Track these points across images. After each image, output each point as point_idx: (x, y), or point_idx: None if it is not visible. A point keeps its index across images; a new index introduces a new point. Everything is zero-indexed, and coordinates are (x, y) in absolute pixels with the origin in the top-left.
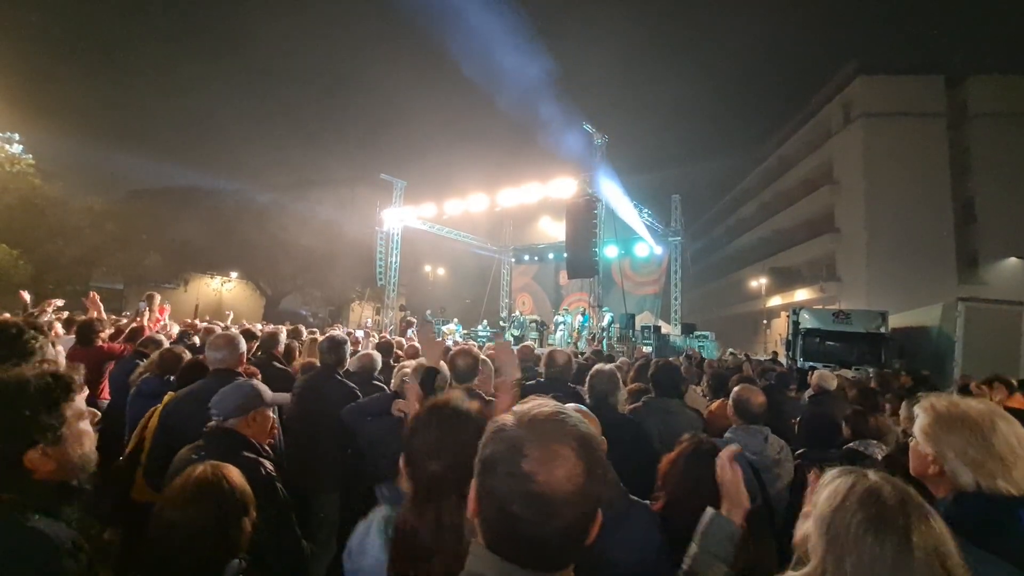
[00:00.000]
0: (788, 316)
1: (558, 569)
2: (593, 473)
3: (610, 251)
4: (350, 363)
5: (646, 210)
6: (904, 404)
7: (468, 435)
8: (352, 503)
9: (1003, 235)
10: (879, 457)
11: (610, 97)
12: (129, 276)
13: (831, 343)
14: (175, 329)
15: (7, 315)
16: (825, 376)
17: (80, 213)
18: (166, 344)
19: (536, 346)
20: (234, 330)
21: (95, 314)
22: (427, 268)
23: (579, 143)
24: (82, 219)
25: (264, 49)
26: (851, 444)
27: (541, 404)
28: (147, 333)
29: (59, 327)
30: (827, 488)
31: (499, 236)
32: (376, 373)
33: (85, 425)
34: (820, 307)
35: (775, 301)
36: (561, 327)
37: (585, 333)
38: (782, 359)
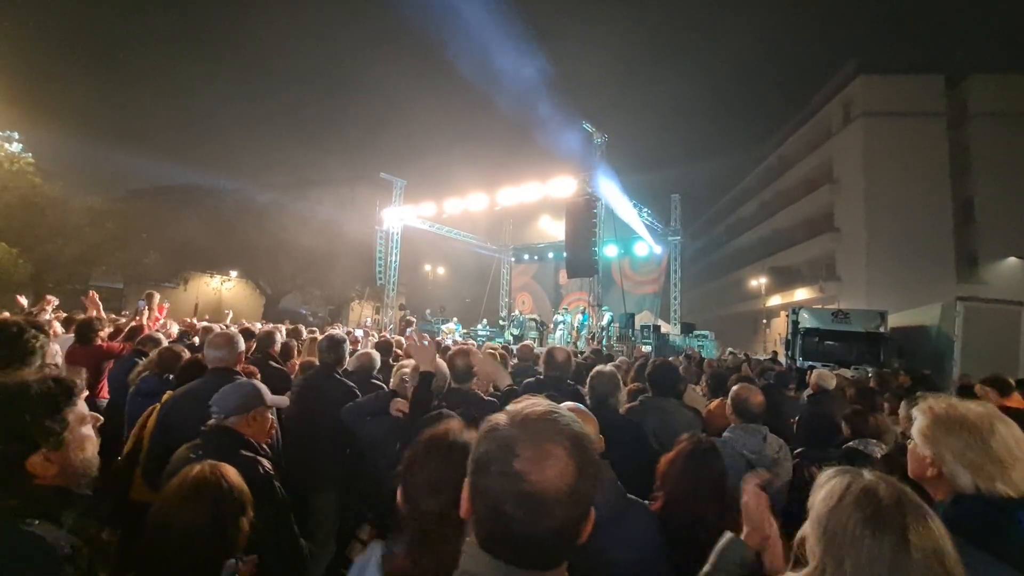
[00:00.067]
0: (787, 315)
1: (551, 568)
2: (585, 472)
3: (610, 250)
4: (349, 362)
5: (646, 209)
6: (903, 404)
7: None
8: (351, 503)
9: (1003, 235)
10: (879, 456)
11: (610, 96)
12: (129, 275)
13: (830, 342)
14: (174, 328)
15: (7, 314)
16: (824, 375)
17: (80, 212)
18: (165, 343)
19: (536, 345)
20: (233, 329)
21: (94, 313)
22: (427, 267)
23: (579, 142)
24: (82, 218)
25: (264, 49)
26: (851, 443)
27: (534, 403)
28: (146, 332)
29: (58, 326)
30: (823, 488)
31: (499, 235)
32: (375, 372)
33: (87, 430)
34: (819, 306)
35: (775, 300)
36: (561, 326)
37: (585, 332)
38: (781, 359)
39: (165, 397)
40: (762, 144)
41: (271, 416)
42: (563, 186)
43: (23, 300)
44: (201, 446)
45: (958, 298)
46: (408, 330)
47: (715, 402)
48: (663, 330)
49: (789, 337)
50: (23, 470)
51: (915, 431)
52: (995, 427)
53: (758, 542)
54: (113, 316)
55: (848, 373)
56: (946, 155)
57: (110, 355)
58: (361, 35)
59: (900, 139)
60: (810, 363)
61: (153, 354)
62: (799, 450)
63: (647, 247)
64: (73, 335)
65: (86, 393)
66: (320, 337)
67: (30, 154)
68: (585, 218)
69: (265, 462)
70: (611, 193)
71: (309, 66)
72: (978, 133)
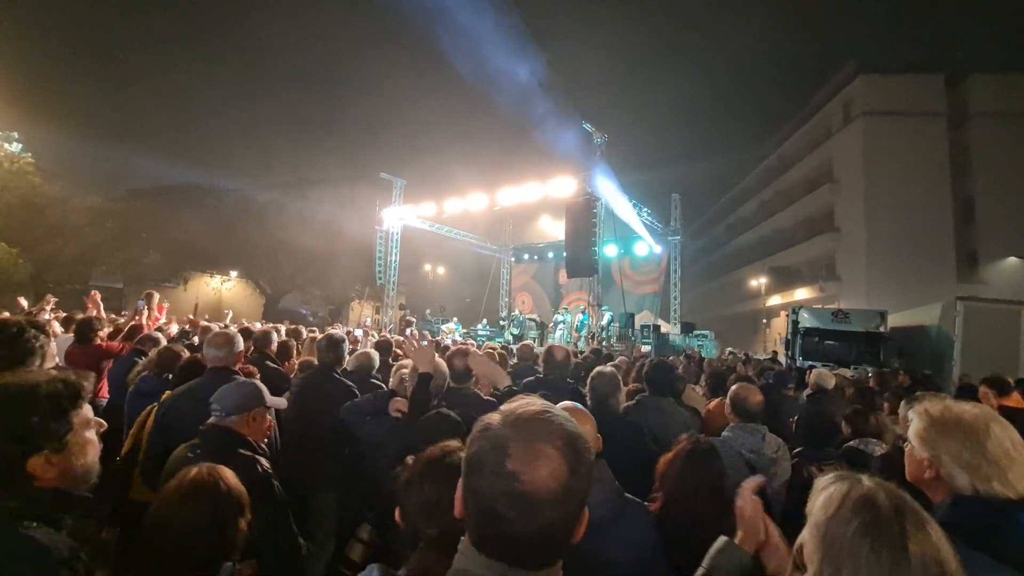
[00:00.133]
0: (787, 315)
1: (544, 567)
2: (578, 472)
3: (609, 250)
4: (348, 362)
5: (646, 209)
6: (903, 404)
7: None
8: (350, 502)
9: (1003, 234)
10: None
11: (610, 96)
12: (129, 275)
13: (830, 342)
14: (174, 328)
15: (7, 314)
16: (823, 375)
17: (80, 212)
18: (164, 343)
19: (535, 345)
20: (232, 328)
21: (94, 313)
22: (427, 267)
23: (578, 142)
24: (82, 218)
25: (265, 49)
26: (851, 442)
27: (528, 403)
28: (145, 331)
29: (56, 325)
30: (822, 494)
31: (499, 235)
32: (374, 372)
33: (91, 435)
34: (819, 306)
35: (775, 300)
36: (560, 326)
37: (584, 332)
38: (781, 358)
39: (164, 397)
40: (762, 144)
41: (269, 417)
42: (563, 186)
43: (24, 302)
44: (199, 445)
45: (958, 298)
46: (408, 330)
47: (714, 402)
48: (663, 330)
49: (789, 337)
50: (24, 471)
51: (911, 434)
52: (991, 428)
53: (753, 547)
54: (113, 316)
55: (848, 373)
56: (946, 155)
57: (109, 355)
58: (361, 35)
59: (900, 139)
60: (810, 363)
61: (152, 354)
62: (798, 449)
63: (647, 247)
64: (72, 335)
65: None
66: (319, 337)
67: (30, 154)
68: (585, 218)
69: (263, 461)
70: (611, 193)
71: (309, 66)
72: (978, 133)
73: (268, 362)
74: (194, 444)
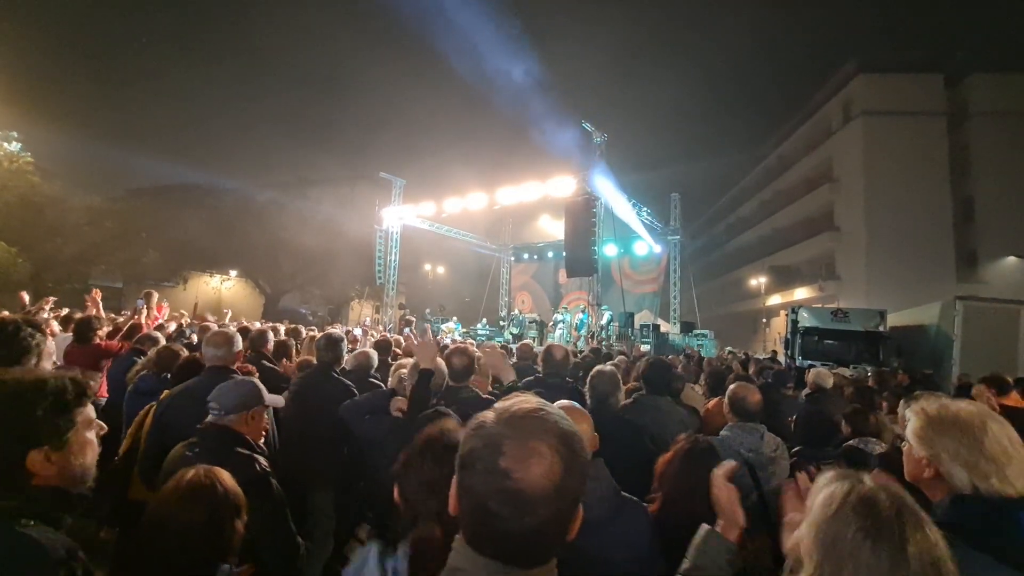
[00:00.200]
0: (787, 315)
1: (538, 565)
2: (572, 470)
3: (609, 250)
4: (347, 361)
5: (645, 209)
6: (901, 403)
7: None
8: (349, 501)
9: (1002, 234)
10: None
11: (609, 95)
12: (128, 274)
13: (830, 341)
14: (172, 327)
15: (6, 313)
16: (821, 374)
17: (79, 211)
18: (163, 342)
19: (535, 344)
20: (232, 328)
21: (93, 312)
22: (426, 266)
23: (578, 141)
24: (81, 217)
25: (264, 49)
26: (851, 442)
27: (523, 400)
28: (144, 331)
29: (55, 324)
30: (822, 493)
31: (498, 234)
32: (372, 371)
33: (91, 435)
34: (819, 306)
35: (774, 300)
36: (560, 326)
37: (584, 331)
38: (781, 358)
39: (163, 396)
40: (762, 143)
41: (267, 415)
42: (562, 185)
43: (26, 296)
44: (197, 444)
45: (957, 297)
46: (406, 329)
47: (713, 401)
48: (662, 329)
49: (788, 336)
50: (23, 468)
51: (909, 433)
52: (988, 426)
53: (735, 534)
54: (112, 315)
55: (847, 372)
56: (946, 154)
57: (108, 354)
58: (361, 35)
59: (900, 138)
60: (809, 362)
61: (151, 353)
62: (796, 449)
63: (647, 246)
64: (71, 334)
65: None
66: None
67: (28, 153)
68: (584, 217)
69: (261, 460)
70: (610, 192)
71: (309, 66)
72: (978, 132)
73: (264, 361)
74: (192, 443)
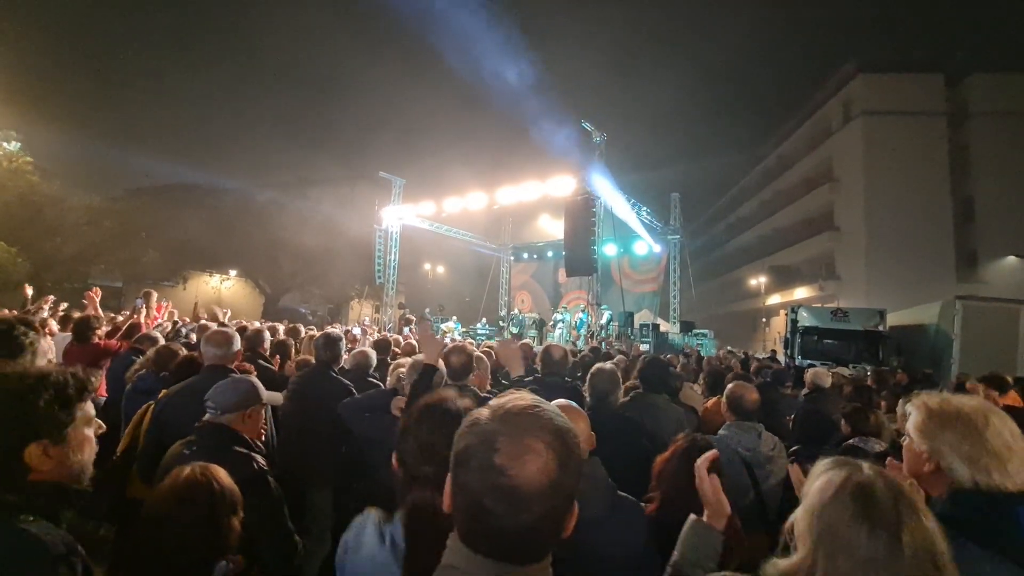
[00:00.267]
0: (787, 314)
1: (532, 562)
2: (567, 467)
3: (609, 249)
4: (345, 360)
5: (645, 208)
6: (900, 402)
7: None
8: (347, 500)
9: (1002, 233)
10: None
11: (609, 95)
12: (128, 274)
13: (829, 341)
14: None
15: (4, 311)
16: (820, 374)
17: (78, 210)
18: (162, 341)
19: (535, 344)
20: (231, 327)
21: (92, 311)
22: (426, 266)
23: (577, 141)
24: (80, 216)
25: (264, 49)
26: (851, 441)
27: (518, 397)
28: (143, 330)
29: (53, 324)
30: (820, 478)
31: (498, 234)
32: (371, 370)
33: (90, 432)
34: (819, 305)
35: (774, 299)
36: (560, 325)
37: (584, 331)
38: (781, 357)
39: (161, 394)
40: (762, 143)
41: (265, 413)
42: (562, 185)
43: (29, 291)
44: (195, 442)
45: (957, 297)
46: (405, 329)
47: (712, 400)
48: (662, 328)
49: (788, 336)
50: (21, 462)
51: (910, 427)
52: (990, 420)
53: (722, 523)
54: (111, 314)
55: (846, 371)
56: (946, 154)
57: (107, 353)
58: (360, 35)
59: (900, 138)
60: (809, 361)
61: (150, 352)
62: (794, 448)
63: (646, 246)
64: (70, 333)
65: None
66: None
67: (27, 153)
68: (584, 217)
69: (259, 458)
70: (610, 192)
71: (309, 66)
72: (978, 132)
73: (261, 360)
74: (190, 441)
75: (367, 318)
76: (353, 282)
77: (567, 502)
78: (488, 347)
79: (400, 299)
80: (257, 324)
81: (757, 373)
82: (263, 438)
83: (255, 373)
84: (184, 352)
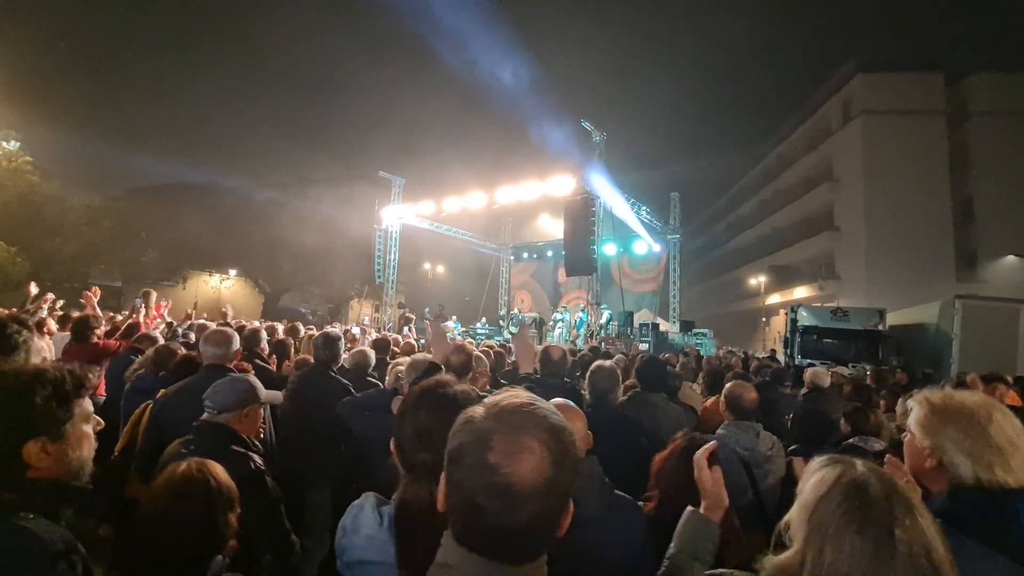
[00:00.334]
0: (787, 313)
1: (527, 561)
2: (561, 465)
3: (608, 249)
4: (344, 359)
5: (645, 208)
6: (900, 401)
7: None
8: (346, 500)
9: (1002, 233)
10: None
11: (608, 94)
12: (127, 274)
13: (829, 340)
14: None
15: (3, 310)
16: (819, 373)
17: (78, 210)
18: (161, 341)
19: (535, 344)
20: (231, 326)
21: (90, 311)
22: (426, 266)
23: (577, 141)
24: (80, 216)
25: (263, 48)
26: (851, 440)
27: (513, 395)
28: (143, 329)
29: (52, 323)
30: (814, 475)
31: (498, 234)
32: (370, 370)
33: (88, 429)
34: (819, 304)
35: (774, 299)
36: (559, 324)
37: (583, 330)
38: (780, 357)
39: (159, 394)
40: (761, 143)
41: (262, 412)
42: (562, 184)
43: (34, 288)
44: (193, 441)
45: (956, 296)
46: (405, 328)
47: (711, 399)
48: (662, 328)
49: (788, 335)
50: (19, 460)
51: (912, 422)
52: (993, 415)
53: (719, 515)
54: (111, 314)
55: (845, 371)
56: (946, 153)
57: (106, 353)
58: (360, 35)
59: (900, 137)
60: (809, 361)
61: (149, 351)
62: (792, 447)
63: (646, 245)
64: (69, 333)
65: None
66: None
67: (27, 152)
68: (584, 216)
69: (256, 458)
70: (610, 191)
71: (309, 65)
72: (978, 131)
73: (257, 360)
74: (187, 440)
75: (366, 317)
76: (353, 282)
77: (562, 501)
78: (488, 346)
79: (400, 299)
80: (255, 323)
81: (756, 372)
82: (262, 436)
83: (252, 372)
84: (183, 351)
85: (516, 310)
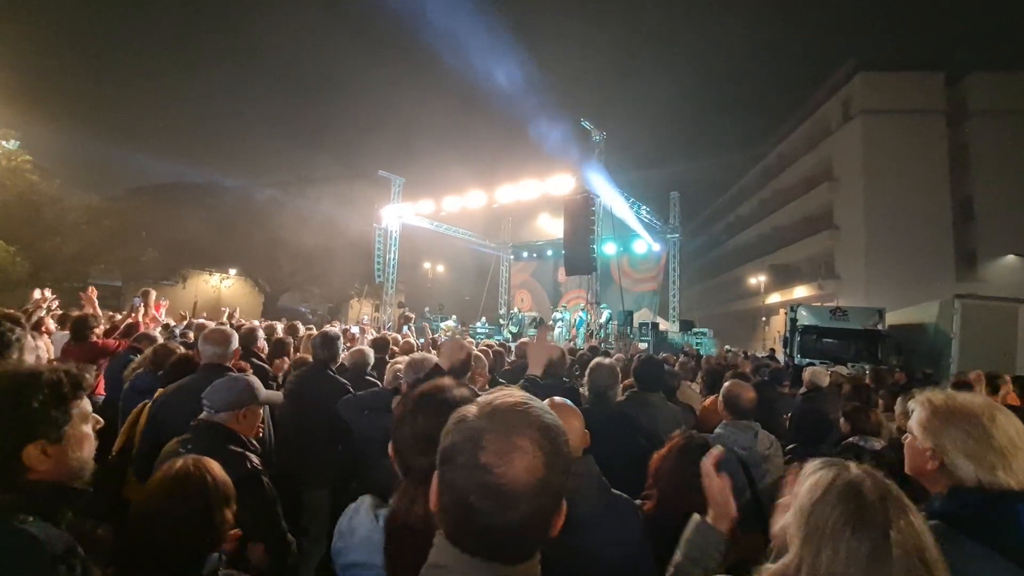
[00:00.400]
0: (786, 313)
1: (520, 561)
2: (555, 464)
3: (608, 248)
4: (343, 359)
5: (644, 207)
6: (899, 401)
7: None
8: (344, 500)
9: (1002, 232)
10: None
11: (608, 94)
12: (127, 273)
13: (828, 340)
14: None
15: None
16: (817, 373)
17: (78, 210)
18: (160, 340)
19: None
20: (230, 326)
21: (89, 310)
22: (426, 265)
23: (577, 140)
24: (80, 216)
25: (264, 48)
26: (851, 439)
27: (506, 394)
28: (142, 329)
29: (50, 322)
30: (809, 479)
31: (498, 233)
32: (369, 369)
33: (88, 429)
34: (818, 304)
35: (774, 298)
36: (559, 324)
37: (583, 330)
38: (780, 356)
39: (157, 393)
40: (761, 142)
41: (261, 412)
42: (561, 184)
43: (37, 293)
44: (191, 441)
45: (956, 295)
46: (404, 327)
47: (710, 399)
48: (662, 327)
49: (787, 334)
50: (19, 462)
51: (914, 423)
52: (996, 417)
53: (727, 524)
54: (110, 313)
55: (844, 370)
56: (945, 153)
57: (105, 352)
58: (359, 34)
59: (899, 137)
60: (808, 360)
61: (148, 351)
62: (791, 447)
63: (646, 245)
64: (68, 332)
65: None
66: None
67: (27, 152)
68: (583, 216)
69: (253, 457)
70: (609, 191)
71: (308, 65)
72: (978, 131)
73: (254, 359)
74: (185, 439)
75: (366, 317)
76: (353, 281)
77: (555, 501)
78: (487, 345)
79: (400, 298)
80: (253, 323)
81: (755, 372)
82: (260, 435)
83: (250, 372)
84: (181, 351)
85: (516, 309)
